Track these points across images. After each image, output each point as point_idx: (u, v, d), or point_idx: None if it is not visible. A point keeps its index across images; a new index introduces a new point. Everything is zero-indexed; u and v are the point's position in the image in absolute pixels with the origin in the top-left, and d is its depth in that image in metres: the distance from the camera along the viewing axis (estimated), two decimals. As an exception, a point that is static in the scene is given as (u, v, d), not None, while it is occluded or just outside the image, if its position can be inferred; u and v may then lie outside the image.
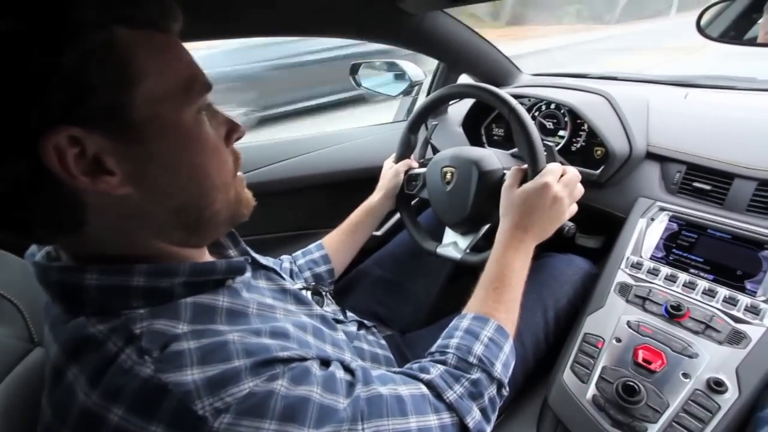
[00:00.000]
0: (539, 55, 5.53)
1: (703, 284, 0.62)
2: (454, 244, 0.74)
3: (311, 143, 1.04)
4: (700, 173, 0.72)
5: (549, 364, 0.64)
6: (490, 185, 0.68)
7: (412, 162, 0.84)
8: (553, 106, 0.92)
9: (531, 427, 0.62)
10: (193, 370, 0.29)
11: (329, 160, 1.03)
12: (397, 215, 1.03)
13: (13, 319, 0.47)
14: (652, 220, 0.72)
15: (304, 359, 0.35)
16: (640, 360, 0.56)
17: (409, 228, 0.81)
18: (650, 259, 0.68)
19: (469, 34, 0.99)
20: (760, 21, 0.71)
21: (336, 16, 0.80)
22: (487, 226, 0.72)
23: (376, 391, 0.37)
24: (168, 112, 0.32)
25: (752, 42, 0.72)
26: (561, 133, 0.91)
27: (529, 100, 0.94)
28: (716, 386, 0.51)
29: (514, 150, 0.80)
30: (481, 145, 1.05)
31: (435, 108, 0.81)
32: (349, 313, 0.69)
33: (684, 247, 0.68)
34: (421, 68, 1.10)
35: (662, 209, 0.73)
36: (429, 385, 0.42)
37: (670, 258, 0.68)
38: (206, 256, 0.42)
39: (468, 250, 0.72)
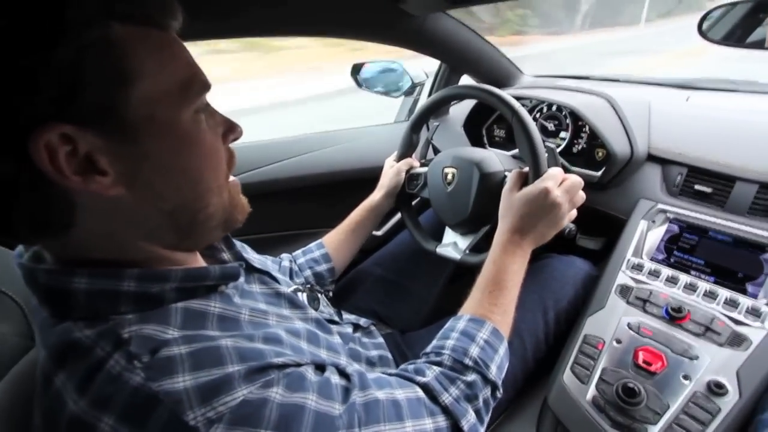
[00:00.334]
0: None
1: (704, 286, 0.62)
2: (453, 245, 0.74)
3: (313, 143, 1.04)
4: (702, 176, 0.72)
5: (549, 365, 0.64)
6: (490, 187, 0.68)
7: (414, 161, 0.84)
8: (554, 107, 0.92)
9: (531, 427, 0.62)
10: (184, 377, 0.28)
11: (331, 159, 1.03)
12: (398, 215, 1.04)
13: (13, 316, 0.47)
14: (653, 222, 0.72)
15: (298, 365, 0.34)
16: (640, 362, 0.56)
17: (409, 227, 0.81)
18: (651, 260, 0.68)
19: (471, 36, 0.99)
20: (766, 24, 0.71)
21: (338, 17, 0.80)
22: (487, 227, 0.72)
23: (373, 396, 0.37)
24: (165, 112, 0.31)
25: (756, 45, 0.72)
26: (562, 134, 0.91)
27: (531, 102, 0.94)
28: (717, 388, 0.51)
29: (515, 151, 0.80)
30: (482, 145, 1.05)
31: (437, 108, 0.81)
32: (345, 315, 0.69)
33: (685, 249, 0.68)
34: (421, 69, 1.11)
35: (663, 211, 0.73)
36: (425, 388, 0.42)
37: (671, 260, 0.68)
38: (198, 260, 0.41)
39: (467, 251, 0.72)
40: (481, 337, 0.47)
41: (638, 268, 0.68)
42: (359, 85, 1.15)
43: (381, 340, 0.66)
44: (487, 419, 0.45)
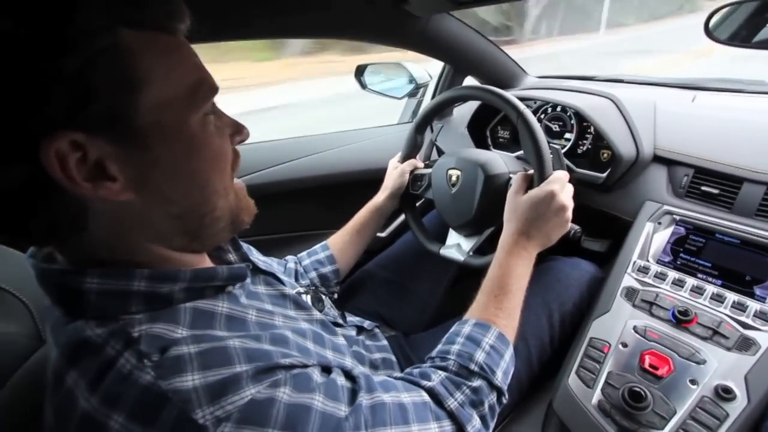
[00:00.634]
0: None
1: (711, 289, 0.61)
2: (457, 246, 0.74)
3: (317, 144, 1.04)
4: (708, 177, 0.72)
5: (554, 368, 0.64)
6: (495, 189, 0.68)
7: (418, 162, 0.84)
8: (559, 108, 0.91)
9: (536, 431, 0.62)
10: (193, 376, 0.28)
11: (335, 161, 1.04)
12: (402, 216, 1.04)
13: (21, 317, 0.48)
14: (659, 224, 0.72)
15: (305, 366, 0.35)
16: (646, 365, 0.56)
17: (412, 228, 0.81)
18: (657, 263, 0.68)
19: (475, 37, 0.99)
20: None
21: (342, 19, 0.80)
22: (490, 229, 0.72)
23: (380, 398, 0.37)
24: (173, 116, 0.31)
25: (762, 45, 0.71)
26: (567, 135, 0.90)
27: (535, 103, 0.94)
28: (724, 393, 0.51)
29: (520, 152, 0.80)
30: (486, 147, 1.05)
31: (441, 110, 0.81)
32: (349, 317, 0.69)
33: (692, 251, 0.67)
34: (425, 70, 1.11)
35: (669, 213, 0.72)
36: (430, 392, 0.42)
37: (678, 262, 0.67)
38: (206, 261, 0.42)
39: (471, 253, 0.71)
40: (486, 342, 0.47)
41: (644, 270, 0.67)
42: (363, 86, 1.15)
43: (385, 342, 0.66)
44: (492, 425, 0.45)
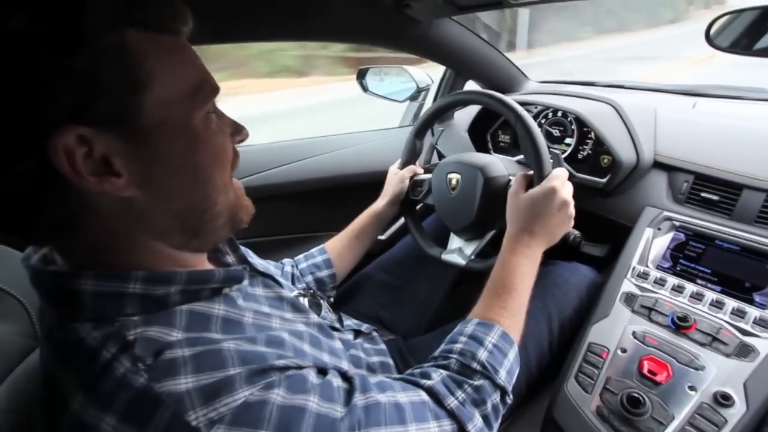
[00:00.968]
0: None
1: (710, 296, 0.61)
2: (458, 250, 0.74)
3: (318, 146, 1.04)
4: (708, 183, 0.72)
5: (553, 374, 0.64)
6: (495, 191, 0.68)
7: (417, 168, 0.84)
8: (559, 113, 0.91)
9: (534, 437, 0.62)
10: (187, 378, 0.28)
11: (335, 163, 1.04)
12: (402, 219, 1.04)
13: (17, 316, 0.47)
14: (659, 229, 0.72)
15: (300, 367, 0.34)
16: (645, 371, 0.55)
17: (413, 233, 0.81)
18: (657, 269, 0.68)
19: (477, 41, 0.99)
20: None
21: (344, 22, 0.80)
22: (492, 233, 0.71)
23: (374, 399, 0.37)
24: (177, 114, 0.32)
25: (763, 52, 0.71)
26: (567, 140, 0.91)
27: (536, 108, 0.94)
28: (723, 400, 0.50)
29: (520, 157, 0.80)
30: (486, 151, 1.05)
31: (441, 114, 0.81)
32: (346, 321, 0.69)
33: (691, 257, 0.67)
34: (426, 74, 1.11)
35: (669, 219, 0.72)
36: (430, 391, 0.42)
37: (677, 268, 0.67)
38: (204, 263, 0.42)
39: (473, 257, 0.71)
40: (489, 341, 0.47)
41: (643, 276, 0.67)
42: (364, 89, 1.15)
43: (383, 346, 0.66)
44: (496, 426, 0.44)
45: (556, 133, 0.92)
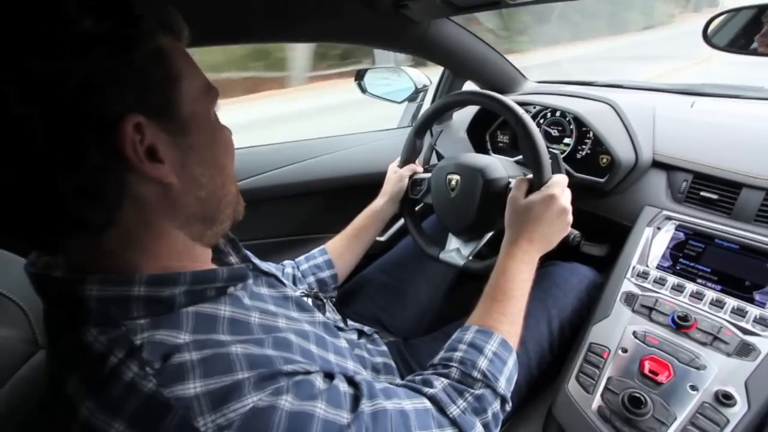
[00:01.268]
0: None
1: (710, 295, 0.61)
2: (457, 251, 0.74)
3: (317, 148, 1.04)
4: (707, 182, 0.72)
5: (553, 374, 0.64)
6: (494, 193, 0.68)
7: (417, 167, 0.84)
8: (558, 113, 0.91)
9: (535, 437, 0.61)
10: (195, 383, 0.28)
11: (334, 164, 1.04)
12: (401, 221, 1.03)
13: (17, 322, 0.47)
14: (659, 229, 0.72)
15: (308, 372, 0.34)
16: (646, 371, 0.55)
17: (412, 233, 0.81)
18: (656, 268, 0.68)
19: (475, 42, 0.99)
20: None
21: (343, 23, 0.81)
22: (490, 234, 0.71)
23: (381, 405, 0.37)
24: (201, 109, 0.36)
25: (758, 51, 0.71)
26: (566, 140, 0.91)
27: (534, 108, 0.94)
28: (725, 399, 0.50)
29: (519, 157, 0.80)
30: (485, 151, 1.05)
31: (440, 114, 0.81)
32: (350, 321, 0.69)
33: (691, 256, 0.67)
34: (425, 74, 1.11)
35: (669, 218, 0.72)
36: (432, 399, 0.42)
37: (677, 268, 0.67)
38: (209, 263, 0.42)
39: (471, 257, 0.71)
40: (489, 349, 0.47)
41: (643, 275, 0.67)
42: (363, 90, 1.15)
43: (385, 348, 0.66)
44: None
45: (554, 133, 0.93)
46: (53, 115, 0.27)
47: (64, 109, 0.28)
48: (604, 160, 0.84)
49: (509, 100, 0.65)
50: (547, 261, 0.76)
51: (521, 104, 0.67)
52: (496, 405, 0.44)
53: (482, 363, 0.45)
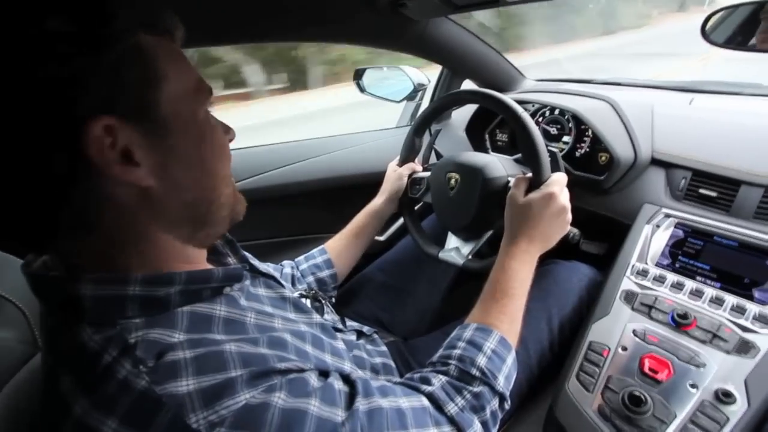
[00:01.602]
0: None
1: (710, 292, 0.61)
2: (456, 250, 0.74)
3: (316, 148, 1.04)
4: (706, 179, 0.72)
5: (554, 373, 0.64)
6: (494, 192, 0.68)
7: (416, 165, 0.84)
8: (557, 111, 0.91)
9: (535, 436, 0.61)
10: (188, 381, 0.28)
11: (333, 164, 1.04)
12: (400, 220, 1.03)
13: (17, 323, 0.47)
14: (658, 226, 0.72)
15: (302, 370, 0.34)
16: (646, 369, 0.55)
17: (411, 231, 0.81)
18: (656, 266, 0.68)
19: (473, 40, 0.99)
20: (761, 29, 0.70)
21: (340, 23, 0.80)
22: (489, 233, 0.71)
23: (377, 403, 0.37)
24: (185, 110, 0.34)
25: (756, 48, 0.71)
26: (565, 138, 0.91)
27: (533, 106, 0.94)
28: (725, 397, 0.50)
29: (518, 155, 0.80)
30: (484, 150, 1.05)
31: (439, 113, 0.81)
32: (349, 322, 0.69)
33: (690, 254, 0.67)
34: (423, 73, 1.11)
35: (668, 216, 0.72)
36: (430, 397, 0.42)
37: (676, 265, 0.67)
38: (204, 263, 0.42)
39: (470, 257, 0.71)
40: (488, 346, 0.47)
41: (643, 273, 0.67)
42: (361, 89, 1.15)
43: (384, 348, 0.65)
44: (494, 431, 0.44)
45: (553, 131, 0.92)
46: (13, 118, 0.28)
47: (25, 112, 0.28)
48: (603, 158, 0.84)
49: (508, 98, 0.65)
50: (546, 259, 0.75)
51: (520, 102, 0.67)
52: (495, 403, 0.44)
53: (481, 360, 0.45)
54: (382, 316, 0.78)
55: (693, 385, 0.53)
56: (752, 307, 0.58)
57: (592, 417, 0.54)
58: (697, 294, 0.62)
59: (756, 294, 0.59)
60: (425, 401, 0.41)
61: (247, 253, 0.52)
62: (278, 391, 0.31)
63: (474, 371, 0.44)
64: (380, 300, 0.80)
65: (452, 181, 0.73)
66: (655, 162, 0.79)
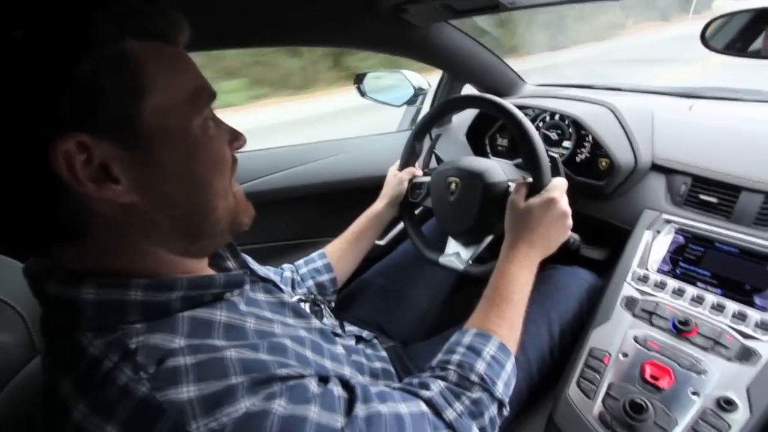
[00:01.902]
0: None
1: (711, 299, 0.61)
2: (456, 255, 0.73)
3: (316, 152, 1.04)
4: (707, 185, 0.72)
5: (554, 379, 0.63)
6: (494, 197, 0.68)
7: (417, 170, 0.84)
8: (557, 117, 0.92)
9: (536, 443, 0.61)
10: (188, 387, 0.28)
11: (333, 168, 1.04)
12: (401, 224, 1.03)
13: (15, 326, 0.47)
14: (658, 232, 0.71)
15: (302, 376, 0.34)
16: (647, 376, 0.55)
17: (411, 236, 0.81)
18: (657, 272, 0.67)
19: (474, 45, 0.99)
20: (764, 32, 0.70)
21: (342, 27, 0.81)
22: (490, 238, 0.71)
23: (375, 409, 0.37)
24: (176, 121, 0.32)
25: (757, 54, 0.71)
26: (565, 144, 0.91)
27: (533, 111, 0.94)
28: (726, 405, 0.50)
29: (518, 160, 0.80)
30: (485, 155, 1.05)
31: (439, 118, 0.81)
32: (348, 327, 0.68)
33: (691, 260, 0.67)
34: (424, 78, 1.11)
35: (668, 222, 0.72)
36: (429, 402, 0.42)
37: (677, 271, 0.67)
38: (205, 269, 0.42)
39: (470, 261, 0.71)
40: (487, 352, 0.46)
41: (644, 279, 0.67)
42: (362, 93, 1.16)
43: (384, 353, 0.65)
44: None
45: (553, 136, 0.93)
46: None
47: None
48: (604, 164, 0.84)
49: (508, 103, 0.65)
50: (547, 265, 0.75)
51: (520, 108, 0.67)
52: (494, 409, 0.44)
53: (480, 366, 0.45)
54: (381, 321, 0.78)
55: (694, 393, 0.52)
56: (753, 314, 0.57)
57: (592, 424, 0.54)
58: (698, 300, 0.62)
59: (757, 301, 0.59)
60: (424, 407, 0.41)
61: (246, 257, 0.52)
62: (278, 398, 0.31)
63: (473, 377, 0.44)
64: (380, 304, 0.79)
65: (452, 186, 0.73)
66: (656, 168, 0.79)
